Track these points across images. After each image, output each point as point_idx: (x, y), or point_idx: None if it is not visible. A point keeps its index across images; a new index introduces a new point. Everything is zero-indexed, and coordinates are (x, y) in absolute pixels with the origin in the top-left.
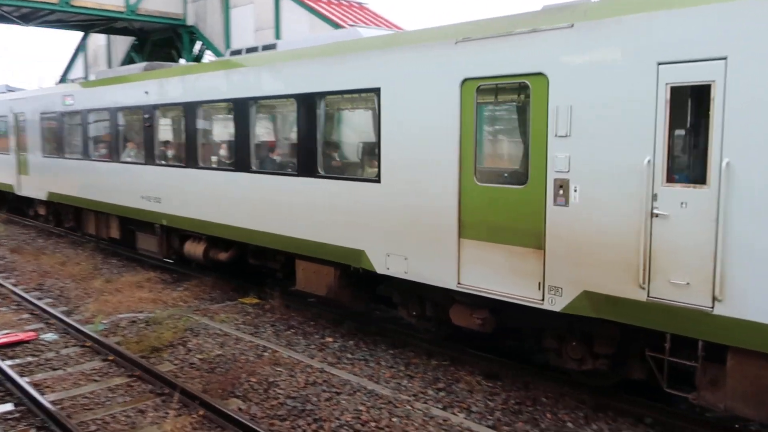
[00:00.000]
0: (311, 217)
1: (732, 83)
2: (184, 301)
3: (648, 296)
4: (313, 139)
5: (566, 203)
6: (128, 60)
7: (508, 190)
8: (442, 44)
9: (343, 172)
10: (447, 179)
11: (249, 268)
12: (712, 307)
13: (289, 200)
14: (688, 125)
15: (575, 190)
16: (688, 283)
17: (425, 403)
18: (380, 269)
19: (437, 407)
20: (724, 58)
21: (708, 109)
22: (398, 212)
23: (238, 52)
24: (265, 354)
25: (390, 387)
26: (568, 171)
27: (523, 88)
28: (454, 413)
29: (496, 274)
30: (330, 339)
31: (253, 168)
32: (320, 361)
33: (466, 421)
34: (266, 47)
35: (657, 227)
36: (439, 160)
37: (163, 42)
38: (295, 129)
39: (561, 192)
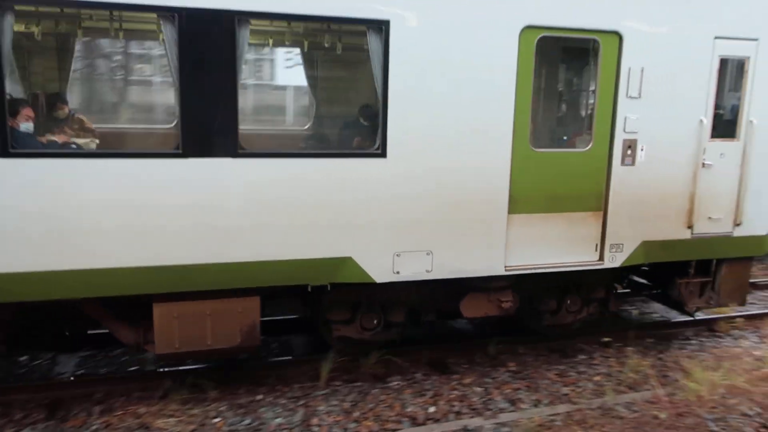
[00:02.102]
0: (217, 224)
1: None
2: None
3: (692, 234)
4: (230, 93)
5: (633, 162)
6: None
7: (568, 154)
8: None
9: (297, 145)
10: (497, 147)
11: None
12: (732, 232)
13: (153, 203)
14: (726, 90)
15: (642, 150)
16: (720, 218)
17: None
18: (382, 277)
19: None
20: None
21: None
22: (418, 195)
23: None
24: None
25: None
26: (637, 132)
27: (589, 45)
28: None
29: (550, 246)
30: None
31: (44, 150)
32: None
33: None
34: None
35: (703, 176)
36: (486, 124)
37: None
38: (174, 72)
39: (629, 152)
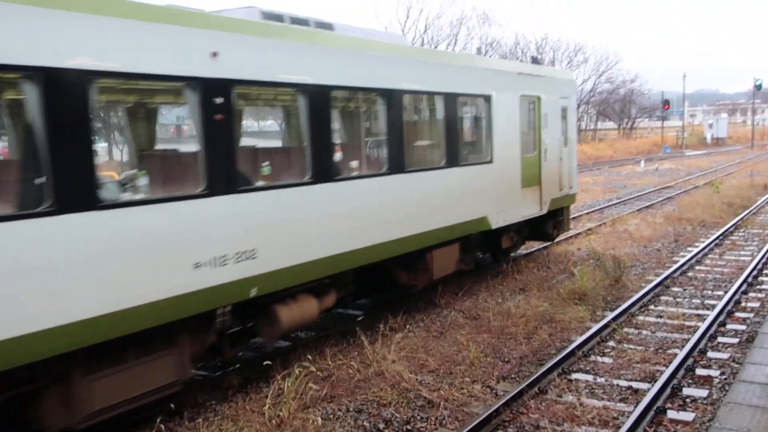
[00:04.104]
0: (449, 203)
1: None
2: None
3: (560, 193)
4: (457, 132)
5: (546, 160)
6: None
7: (530, 156)
8: (514, 74)
9: (469, 159)
10: (517, 154)
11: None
12: (563, 191)
13: (436, 191)
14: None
15: (548, 153)
16: (566, 185)
17: None
18: (495, 226)
19: None
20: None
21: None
22: (502, 181)
23: None
24: None
25: None
26: (547, 146)
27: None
28: None
29: (529, 205)
30: None
31: (409, 168)
32: None
33: None
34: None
35: (562, 165)
36: (515, 142)
37: None
38: (442, 123)
39: (546, 155)
